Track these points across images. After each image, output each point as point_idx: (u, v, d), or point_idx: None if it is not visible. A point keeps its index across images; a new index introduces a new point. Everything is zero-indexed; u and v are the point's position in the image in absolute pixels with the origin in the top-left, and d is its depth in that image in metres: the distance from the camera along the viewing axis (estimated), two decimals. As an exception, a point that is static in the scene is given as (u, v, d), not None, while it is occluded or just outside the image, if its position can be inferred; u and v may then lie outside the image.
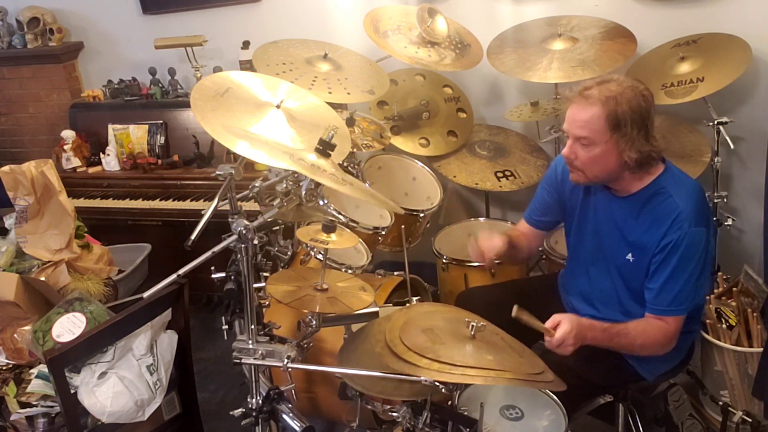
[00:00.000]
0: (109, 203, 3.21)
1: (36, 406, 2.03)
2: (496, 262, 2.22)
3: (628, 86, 1.65)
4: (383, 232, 2.39)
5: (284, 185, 1.74)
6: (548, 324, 1.63)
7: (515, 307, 1.55)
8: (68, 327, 1.98)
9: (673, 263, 1.67)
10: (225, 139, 1.51)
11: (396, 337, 1.44)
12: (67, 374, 1.90)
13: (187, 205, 3.09)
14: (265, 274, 1.80)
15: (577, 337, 1.61)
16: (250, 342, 1.64)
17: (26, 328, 2.15)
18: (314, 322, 1.75)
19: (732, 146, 2.47)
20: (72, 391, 1.92)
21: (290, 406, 1.70)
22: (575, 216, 1.93)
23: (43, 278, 2.38)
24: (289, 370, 1.58)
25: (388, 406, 1.64)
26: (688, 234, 1.65)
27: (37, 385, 2.05)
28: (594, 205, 1.87)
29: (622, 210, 1.79)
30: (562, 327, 1.60)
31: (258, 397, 1.67)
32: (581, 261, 1.95)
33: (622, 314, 1.82)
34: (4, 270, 2.42)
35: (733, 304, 2.30)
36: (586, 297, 1.95)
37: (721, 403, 2.25)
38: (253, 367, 1.65)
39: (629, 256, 1.78)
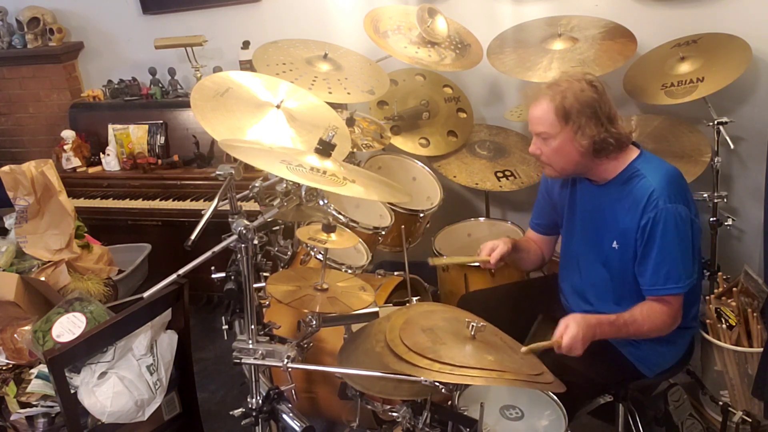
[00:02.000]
0: (109, 203, 3.21)
1: (36, 406, 2.03)
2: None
3: (575, 80, 1.74)
4: (383, 232, 2.39)
5: (284, 185, 1.74)
6: (556, 333, 1.64)
7: (522, 349, 1.55)
8: (68, 327, 1.98)
9: (656, 242, 1.70)
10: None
11: (396, 336, 1.44)
12: (67, 374, 1.90)
13: (187, 205, 3.09)
14: (265, 274, 1.80)
15: (585, 338, 1.63)
16: (250, 342, 1.64)
17: (26, 328, 2.15)
18: (314, 322, 1.75)
19: (732, 146, 2.47)
20: (72, 391, 1.92)
21: (290, 406, 1.70)
22: (565, 211, 1.98)
23: (43, 278, 2.38)
24: (289, 370, 1.58)
25: (388, 406, 1.65)
26: (663, 210, 1.69)
27: (37, 385, 2.05)
28: (579, 198, 1.92)
29: (605, 197, 1.83)
30: (569, 332, 1.62)
31: (258, 397, 1.67)
32: (572, 255, 1.98)
33: (615, 304, 1.83)
34: (4, 270, 2.42)
35: (733, 304, 2.30)
36: (579, 292, 1.96)
37: (721, 403, 2.25)
38: (253, 367, 1.65)
39: (615, 244, 1.81)
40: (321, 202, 2.22)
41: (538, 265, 2.25)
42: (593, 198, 1.87)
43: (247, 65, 3.15)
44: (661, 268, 1.71)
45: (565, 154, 1.77)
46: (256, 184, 1.75)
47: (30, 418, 2.03)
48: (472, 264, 2.44)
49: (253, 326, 1.63)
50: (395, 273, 2.42)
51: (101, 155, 3.34)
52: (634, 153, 1.80)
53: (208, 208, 1.53)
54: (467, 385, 1.68)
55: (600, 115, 1.72)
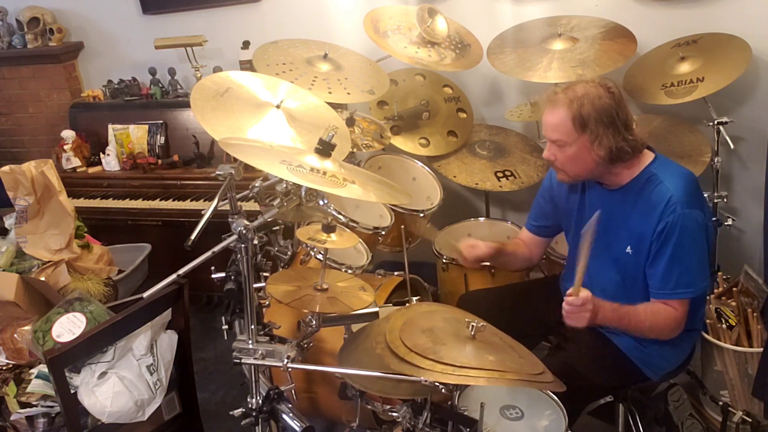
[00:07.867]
0: (109, 203, 3.21)
1: (36, 406, 2.03)
2: (486, 264, 2.29)
3: (592, 86, 1.71)
4: (383, 232, 2.39)
5: (284, 185, 1.74)
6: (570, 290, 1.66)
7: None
8: (68, 327, 1.98)
9: (671, 247, 1.70)
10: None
11: (396, 338, 1.43)
12: (67, 374, 1.90)
13: (187, 205, 3.09)
14: (265, 274, 1.80)
15: (594, 308, 1.64)
16: (250, 342, 1.64)
17: (26, 328, 2.15)
18: (314, 322, 1.75)
19: (732, 146, 2.47)
20: (72, 391, 1.92)
21: (290, 406, 1.70)
22: (573, 215, 1.96)
23: (43, 278, 2.39)
24: (289, 370, 1.58)
25: (388, 406, 1.65)
26: (681, 216, 1.68)
27: (37, 385, 2.05)
28: (590, 203, 1.90)
29: (619, 202, 1.81)
30: (585, 291, 1.64)
31: (258, 397, 1.67)
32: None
33: None
34: (4, 270, 2.42)
35: (733, 304, 2.30)
36: None
37: (721, 403, 2.25)
38: (253, 367, 1.65)
39: (628, 249, 1.80)
40: (321, 202, 2.22)
41: (524, 268, 2.25)
42: (605, 203, 1.84)
43: (247, 65, 3.15)
44: (671, 273, 1.71)
45: (580, 162, 1.75)
46: (256, 184, 1.75)
47: (30, 418, 2.03)
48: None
49: (253, 326, 1.63)
50: (395, 273, 2.42)
51: (101, 155, 3.34)
52: (648, 157, 1.78)
53: (208, 208, 1.53)
54: (468, 385, 1.68)
55: (617, 124, 1.69)
